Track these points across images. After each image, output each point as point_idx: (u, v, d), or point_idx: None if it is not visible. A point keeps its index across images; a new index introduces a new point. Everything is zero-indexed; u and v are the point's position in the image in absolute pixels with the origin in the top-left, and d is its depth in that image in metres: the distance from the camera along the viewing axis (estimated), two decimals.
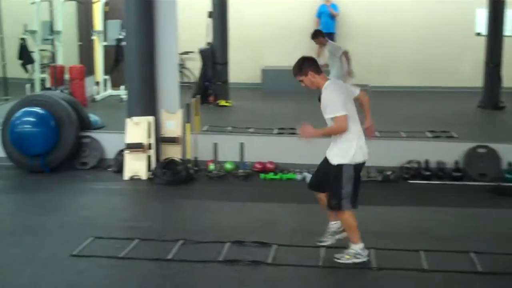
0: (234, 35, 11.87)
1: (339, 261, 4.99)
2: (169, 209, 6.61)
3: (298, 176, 7.37)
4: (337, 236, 5.24)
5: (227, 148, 7.65)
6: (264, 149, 7.76)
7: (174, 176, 7.19)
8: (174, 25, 7.67)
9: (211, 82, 11.45)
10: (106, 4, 12.05)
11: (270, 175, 7.42)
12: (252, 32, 13.44)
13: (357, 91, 5.05)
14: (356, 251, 5.00)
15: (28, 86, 10.80)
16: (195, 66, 12.29)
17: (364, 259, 4.98)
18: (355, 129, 4.90)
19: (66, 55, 11.75)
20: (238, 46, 12.39)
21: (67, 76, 11.22)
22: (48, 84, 11.23)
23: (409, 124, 9.50)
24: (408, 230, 5.81)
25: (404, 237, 5.59)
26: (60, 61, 11.31)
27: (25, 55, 11.08)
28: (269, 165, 7.56)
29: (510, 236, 5.73)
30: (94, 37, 12.16)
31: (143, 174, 7.35)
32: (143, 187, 7.17)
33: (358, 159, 4.92)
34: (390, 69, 13.40)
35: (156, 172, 7.28)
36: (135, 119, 7.52)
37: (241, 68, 12.80)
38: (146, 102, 7.62)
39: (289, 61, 13.27)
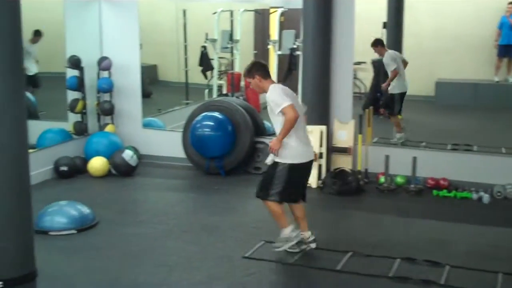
0: (408, 46, 11.62)
1: (275, 250, 5.25)
2: (338, 219, 6.61)
3: (474, 196, 7.02)
4: (303, 247, 5.38)
5: (398, 162, 7.47)
6: (437, 164, 7.49)
7: (344, 186, 7.18)
8: (351, 35, 7.67)
9: (382, 94, 11.28)
10: (282, 14, 12.36)
11: (444, 192, 7.14)
12: (427, 43, 13.04)
13: (304, 109, 5.39)
14: (286, 235, 5.26)
15: (206, 91, 11.38)
16: (366, 76, 12.18)
17: (293, 242, 5.25)
18: (299, 134, 5.15)
19: (243, 63, 12.20)
20: (412, 58, 12.08)
21: (242, 83, 11.66)
22: (224, 90, 11.75)
23: None
24: None
25: None
26: (237, 68, 11.79)
27: (205, 62, 11.66)
28: (442, 182, 7.29)
29: None
30: (270, 46, 12.51)
31: (314, 182, 7.42)
32: (312, 195, 7.20)
33: (296, 161, 5.14)
34: None
35: (326, 181, 7.33)
36: (308, 127, 7.60)
37: (414, 80, 12.45)
38: (319, 111, 7.69)
39: (465, 74, 12.87)
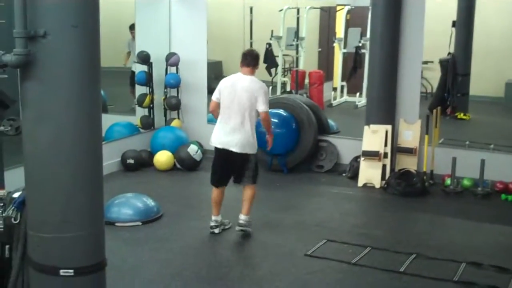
0: (478, 45, 11.33)
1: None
2: (402, 220, 6.52)
3: None
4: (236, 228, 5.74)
5: (465, 164, 7.30)
6: (506, 168, 7.28)
7: (409, 187, 7.08)
8: (420, 35, 7.53)
9: (450, 94, 11.05)
10: (348, 12, 12.27)
11: None
12: (498, 42, 12.69)
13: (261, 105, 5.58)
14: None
15: (270, 88, 11.42)
16: (433, 76, 11.95)
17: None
18: (221, 121, 5.60)
19: (307, 60, 12.19)
20: (481, 57, 11.80)
21: (306, 81, 11.64)
22: (288, 88, 11.77)
23: None
24: None
25: None
26: (301, 66, 11.78)
27: (269, 59, 11.70)
28: (511, 186, 7.09)
29: None
30: (335, 44, 12.44)
31: (377, 182, 7.35)
32: (376, 195, 7.17)
33: (212, 142, 5.69)
34: None
35: (390, 182, 7.23)
36: (373, 127, 7.56)
37: (483, 80, 12.15)
38: (385, 111, 7.60)
39: None
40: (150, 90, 8.48)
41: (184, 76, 8.64)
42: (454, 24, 11.11)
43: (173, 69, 8.62)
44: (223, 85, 5.65)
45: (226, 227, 5.86)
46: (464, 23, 11.03)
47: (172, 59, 8.53)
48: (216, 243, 5.61)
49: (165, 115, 8.76)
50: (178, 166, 7.96)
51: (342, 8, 12.38)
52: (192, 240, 5.68)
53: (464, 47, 11.11)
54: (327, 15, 13.13)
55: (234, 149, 5.57)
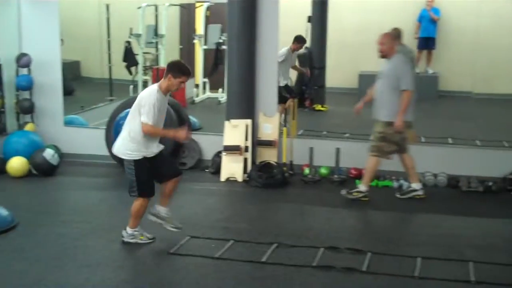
0: (332, 40, 11.83)
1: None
2: (264, 211, 6.66)
3: (395, 184, 7.24)
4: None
5: (322, 153, 7.62)
6: (360, 155, 7.61)
7: (270, 179, 7.25)
8: (275, 29, 7.73)
9: (307, 86, 11.44)
10: (208, 9, 12.33)
11: None
12: (351, 37, 13.32)
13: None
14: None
15: (131, 87, 11.23)
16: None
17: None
18: None
19: (168, 58, 12.10)
20: (336, 51, 12.33)
21: None
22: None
23: None
24: (510, 243, 5.57)
25: (505, 251, 5.38)
26: (162, 63, 11.68)
27: (129, 58, 11.50)
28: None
29: None
30: (195, 41, 12.46)
31: (239, 176, 7.45)
32: (239, 189, 7.27)
33: None
34: (495, 75, 12.83)
35: (252, 175, 7.37)
36: (234, 121, 7.65)
37: (338, 73, 12.71)
38: (245, 105, 7.73)
39: None
40: (0, 93, 8.03)
41: (37, 77, 8.26)
42: (309, 19, 11.51)
43: (24, 71, 8.22)
44: None
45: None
46: (318, 19, 11.47)
47: (23, 60, 8.12)
48: (76, 249, 5.41)
49: (17, 119, 8.33)
50: (34, 172, 7.60)
51: (201, 5, 12.43)
52: (51, 247, 5.43)
53: (320, 42, 11.55)
54: (187, 12, 13.11)
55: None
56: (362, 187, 6.75)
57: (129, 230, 5.49)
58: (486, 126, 9.87)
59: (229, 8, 7.85)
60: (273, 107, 7.86)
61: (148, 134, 5.29)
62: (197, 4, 12.75)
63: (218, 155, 7.78)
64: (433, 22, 12.93)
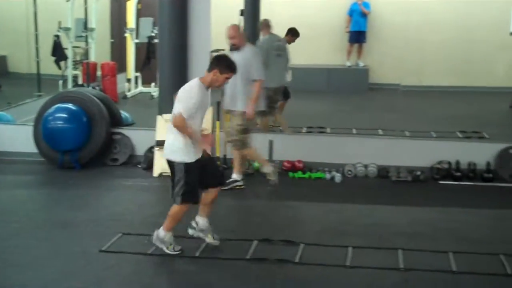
0: None
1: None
2: (197, 206, 6.61)
3: (327, 175, 7.35)
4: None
5: (256, 146, 7.62)
6: (293, 147, 7.74)
7: None
8: (207, 22, 7.69)
9: None
10: (139, 1, 12.16)
11: (299, 174, 7.40)
12: (282, 32, 13.40)
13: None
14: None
15: (60, 82, 10.97)
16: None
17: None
18: None
19: (99, 52, 11.89)
20: None
21: (99, 73, 11.35)
22: (80, 81, 11.38)
23: (440, 124, 9.40)
24: (437, 231, 5.75)
25: (433, 238, 5.54)
26: (92, 58, 11.47)
27: (58, 52, 11.24)
28: (297, 164, 7.54)
29: None
30: (127, 35, 12.27)
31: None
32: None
33: None
34: (423, 69, 13.25)
35: None
36: (166, 116, 7.56)
37: None
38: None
39: (319, 60, 13.36)
40: None
41: None
42: (242, 13, 11.51)
43: None
44: None
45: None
46: (251, 12, 11.48)
47: None
48: (3, 248, 5.24)
49: None
50: None
51: None
52: None
53: (252, 35, 11.55)
54: (118, 5, 12.90)
55: None
56: (235, 175, 6.89)
57: (162, 232, 5.11)
58: (414, 117, 10.16)
59: (159, 1, 7.74)
60: None
61: (176, 127, 4.95)
62: None
63: (150, 150, 7.68)
64: (364, 16, 13.18)
